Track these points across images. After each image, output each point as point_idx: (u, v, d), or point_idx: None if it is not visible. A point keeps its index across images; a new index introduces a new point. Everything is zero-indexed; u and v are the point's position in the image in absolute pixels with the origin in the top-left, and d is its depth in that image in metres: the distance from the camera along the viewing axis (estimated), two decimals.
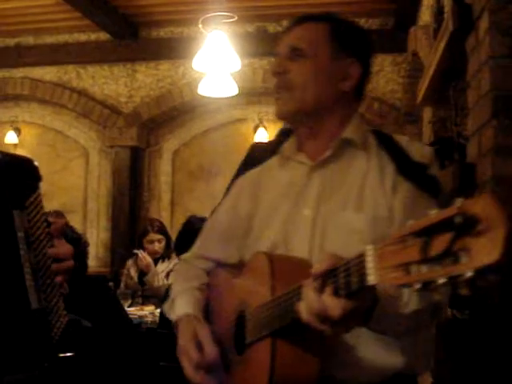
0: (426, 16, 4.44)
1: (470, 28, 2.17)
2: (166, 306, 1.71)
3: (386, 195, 1.44)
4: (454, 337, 2.38)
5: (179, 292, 1.65)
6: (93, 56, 6.47)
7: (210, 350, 1.46)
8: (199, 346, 1.48)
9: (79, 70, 6.59)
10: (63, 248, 1.46)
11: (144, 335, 3.35)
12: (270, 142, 1.71)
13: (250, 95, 6.15)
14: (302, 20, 1.56)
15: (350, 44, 1.55)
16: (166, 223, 5.37)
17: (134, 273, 4.85)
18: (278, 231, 1.51)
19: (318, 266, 1.13)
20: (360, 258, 1.02)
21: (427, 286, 0.88)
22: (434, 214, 0.88)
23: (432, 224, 0.88)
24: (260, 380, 1.31)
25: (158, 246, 4.76)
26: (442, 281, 0.86)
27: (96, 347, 2.87)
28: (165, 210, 6.45)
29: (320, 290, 1.10)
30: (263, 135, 6.22)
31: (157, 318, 4.01)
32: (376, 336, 1.32)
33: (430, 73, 3.02)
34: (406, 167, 1.45)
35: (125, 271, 4.97)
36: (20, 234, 1.37)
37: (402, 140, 1.53)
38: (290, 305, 1.21)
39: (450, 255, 0.84)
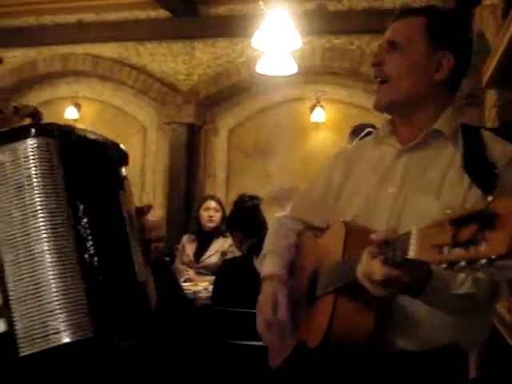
0: None
1: None
2: (257, 261, 1.95)
3: (463, 189, 1.54)
4: None
5: (270, 250, 1.87)
6: (152, 33, 6.52)
7: (283, 313, 1.67)
8: (275, 306, 1.67)
9: (138, 47, 6.66)
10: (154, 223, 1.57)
11: (199, 311, 3.40)
12: None
13: (307, 74, 6.08)
14: (402, 14, 1.65)
15: (446, 36, 1.63)
16: None
17: (189, 249, 4.91)
18: (362, 203, 1.67)
19: (376, 235, 1.32)
20: (407, 236, 1.18)
21: (451, 266, 1.05)
22: (468, 208, 1.06)
23: (464, 215, 1.04)
24: (320, 328, 1.51)
25: (214, 215, 4.82)
26: (462, 264, 1.02)
27: (156, 323, 2.92)
28: (219, 189, 6.48)
29: (372, 256, 1.29)
30: (320, 115, 6.16)
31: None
32: (431, 308, 1.45)
33: (497, 54, 2.93)
34: (479, 166, 1.55)
35: (179, 247, 5.04)
36: (125, 214, 1.43)
37: (488, 136, 1.62)
38: (352, 267, 1.39)
39: (473, 243, 1.01)
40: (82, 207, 1.34)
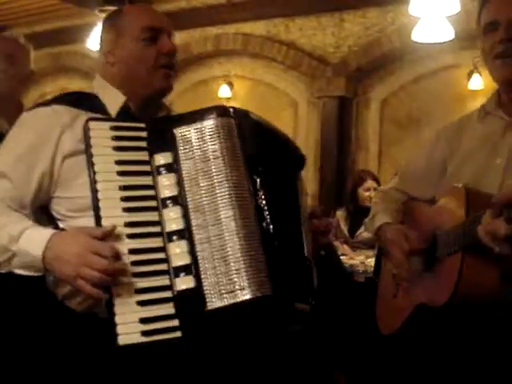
0: None
1: None
2: (366, 224, 2.10)
3: None
4: None
5: (379, 210, 2.01)
6: (300, 8, 6.51)
7: (417, 240, 1.78)
8: (407, 238, 1.80)
9: (287, 22, 6.70)
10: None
11: (364, 285, 3.41)
12: None
13: (463, 39, 5.78)
14: None
15: None
16: None
17: (343, 224, 4.91)
18: (471, 175, 1.73)
19: (498, 196, 1.34)
20: None
21: None
22: None
23: None
24: (446, 287, 1.58)
25: (374, 194, 4.80)
26: None
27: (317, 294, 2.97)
28: (372, 161, 6.41)
29: (495, 216, 1.33)
30: (478, 82, 5.85)
31: (368, 268, 4.05)
32: None
33: None
34: None
35: (334, 222, 5.05)
36: (300, 199, 1.61)
37: None
38: (473, 228, 1.45)
39: None
40: (259, 181, 1.49)
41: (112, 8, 5.63)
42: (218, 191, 1.43)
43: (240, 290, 1.37)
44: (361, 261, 4.30)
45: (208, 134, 1.47)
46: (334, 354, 3.08)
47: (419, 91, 6.18)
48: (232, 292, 1.38)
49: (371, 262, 4.17)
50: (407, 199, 2.02)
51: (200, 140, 1.46)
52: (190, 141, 1.47)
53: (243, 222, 1.42)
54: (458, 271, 1.56)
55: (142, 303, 1.37)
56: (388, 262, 2.07)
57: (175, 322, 1.38)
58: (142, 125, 1.51)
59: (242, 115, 1.54)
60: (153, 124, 1.52)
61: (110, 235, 1.38)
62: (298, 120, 6.83)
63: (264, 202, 1.47)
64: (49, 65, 8.42)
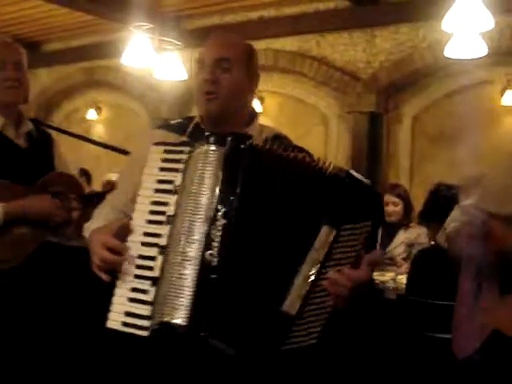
0: None
1: None
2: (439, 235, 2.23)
3: None
4: None
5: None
6: (332, 24, 6.53)
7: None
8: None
9: (319, 38, 6.71)
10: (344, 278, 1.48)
11: (395, 303, 3.37)
12: None
13: (496, 55, 5.75)
14: None
15: None
16: None
17: None
18: None
19: None
20: None
21: None
22: None
23: None
24: None
25: (394, 209, 4.73)
26: None
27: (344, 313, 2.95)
28: (403, 177, 6.35)
29: None
30: (511, 98, 5.80)
31: (399, 285, 4.00)
32: None
33: None
34: None
35: None
36: (316, 245, 1.47)
37: None
38: None
39: None
40: (223, 210, 1.47)
41: (146, 25, 5.73)
42: (182, 216, 1.52)
43: (159, 314, 1.50)
44: (392, 277, 4.25)
45: (201, 159, 1.53)
46: (358, 372, 3.04)
47: (451, 107, 6.13)
48: (157, 313, 1.51)
49: (402, 278, 4.13)
50: (486, 218, 1.92)
51: (199, 163, 1.54)
52: (194, 163, 1.55)
53: (185, 247, 1.50)
54: None
55: (131, 300, 1.54)
56: (466, 282, 1.96)
57: (147, 323, 1.51)
58: (188, 148, 1.59)
59: (237, 142, 1.51)
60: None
61: (125, 232, 1.58)
62: (328, 135, 6.81)
63: (219, 232, 1.45)
64: (82, 79, 8.55)
